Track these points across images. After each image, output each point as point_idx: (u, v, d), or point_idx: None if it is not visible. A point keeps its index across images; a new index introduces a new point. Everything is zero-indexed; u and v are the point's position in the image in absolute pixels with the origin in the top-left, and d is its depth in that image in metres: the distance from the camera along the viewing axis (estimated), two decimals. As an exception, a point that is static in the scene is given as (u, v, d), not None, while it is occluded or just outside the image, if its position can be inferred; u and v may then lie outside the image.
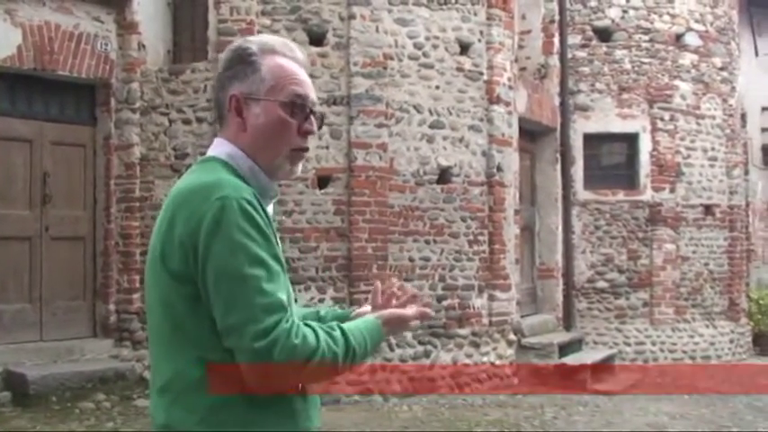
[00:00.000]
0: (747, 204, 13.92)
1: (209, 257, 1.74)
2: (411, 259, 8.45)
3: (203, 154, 2.02)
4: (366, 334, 1.91)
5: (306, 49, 7.86)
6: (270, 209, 1.96)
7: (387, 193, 8.30)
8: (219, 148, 1.96)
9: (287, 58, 1.97)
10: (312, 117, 1.98)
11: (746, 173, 14.04)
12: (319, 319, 2.11)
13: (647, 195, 11.75)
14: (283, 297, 1.76)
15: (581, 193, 11.76)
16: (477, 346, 8.81)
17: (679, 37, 11.99)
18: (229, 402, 1.78)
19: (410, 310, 2.04)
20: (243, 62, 1.94)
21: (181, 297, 1.80)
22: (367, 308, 2.12)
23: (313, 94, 1.99)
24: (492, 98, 9.08)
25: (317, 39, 8.26)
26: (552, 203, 11.29)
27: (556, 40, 11.41)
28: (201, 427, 1.78)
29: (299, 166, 2.01)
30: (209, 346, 1.78)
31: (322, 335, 1.78)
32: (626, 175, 11.97)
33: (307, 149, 2.01)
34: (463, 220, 8.82)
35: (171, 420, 1.83)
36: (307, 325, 1.78)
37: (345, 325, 1.88)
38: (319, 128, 2.04)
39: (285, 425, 1.84)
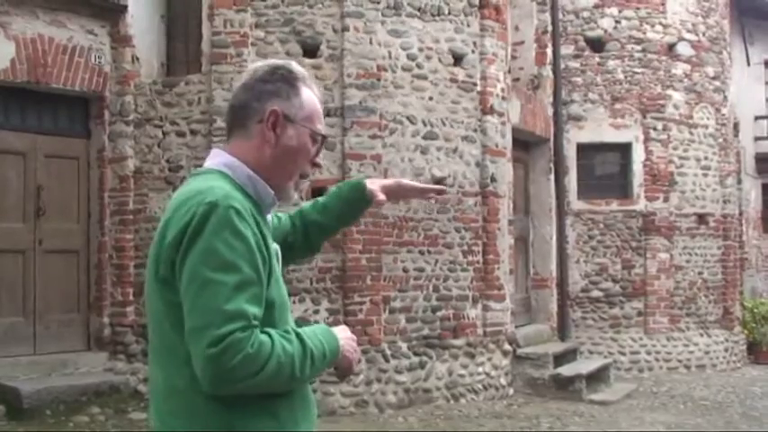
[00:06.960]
0: (741, 213, 13.95)
1: (185, 260, 1.79)
2: (405, 270, 8.44)
3: (198, 166, 2.05)
4: (322, 339, 1.94)
5: (299, 61, 7.87)
6: (269, 218, 2.05)
7: (381, 204, 8.28)
8: (217, 158, 2.01)
9: (312, 91, 2.07)
10: (320, 151, 2.10)
11: (739, 182, 14.07)
12: (322, 205, 2.36)
13: (641, 205, 11.77)
14: (248, 307, 1.77)
15: (575, 202, 11.78)
16: (472, 356, 8.80)
17: (671, 47, 12.04)
18: (212, 406, 1.82)
19: (357, 355, 2.06)
20: (287, 82, 2.02)
21: (166, 304, 1.85)
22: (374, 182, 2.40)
23: None
24: (485, 109, 9.10)
25: (310, 51, 8.27)
26: (546, 213, 11.30)
27: (549, 50, 11.46)
28: (188, 430, 1.83)
29: (296, 194, 2.13)
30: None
31: (278, 343, 1.80)
32: (619, 185, 11.99)
33: (307, 177, 2.14)
34: (457, 230, 8.82)
35: (162, 425, 1.89)
36: (264, 332, 1.80)
37: (302, 330, 1.92)
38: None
39: (267, 427, 1.86)
